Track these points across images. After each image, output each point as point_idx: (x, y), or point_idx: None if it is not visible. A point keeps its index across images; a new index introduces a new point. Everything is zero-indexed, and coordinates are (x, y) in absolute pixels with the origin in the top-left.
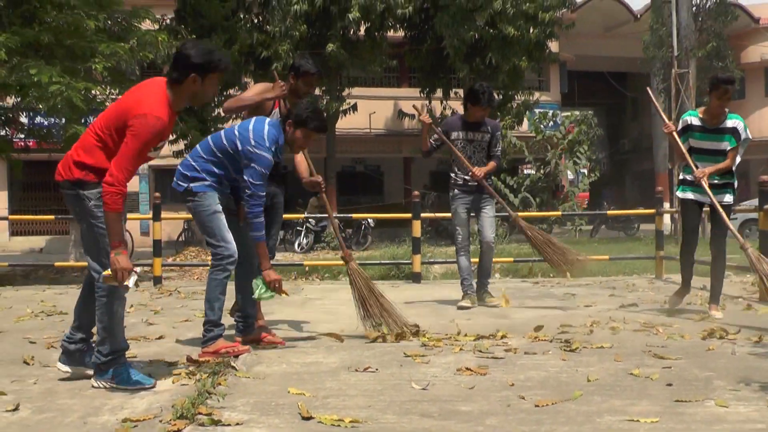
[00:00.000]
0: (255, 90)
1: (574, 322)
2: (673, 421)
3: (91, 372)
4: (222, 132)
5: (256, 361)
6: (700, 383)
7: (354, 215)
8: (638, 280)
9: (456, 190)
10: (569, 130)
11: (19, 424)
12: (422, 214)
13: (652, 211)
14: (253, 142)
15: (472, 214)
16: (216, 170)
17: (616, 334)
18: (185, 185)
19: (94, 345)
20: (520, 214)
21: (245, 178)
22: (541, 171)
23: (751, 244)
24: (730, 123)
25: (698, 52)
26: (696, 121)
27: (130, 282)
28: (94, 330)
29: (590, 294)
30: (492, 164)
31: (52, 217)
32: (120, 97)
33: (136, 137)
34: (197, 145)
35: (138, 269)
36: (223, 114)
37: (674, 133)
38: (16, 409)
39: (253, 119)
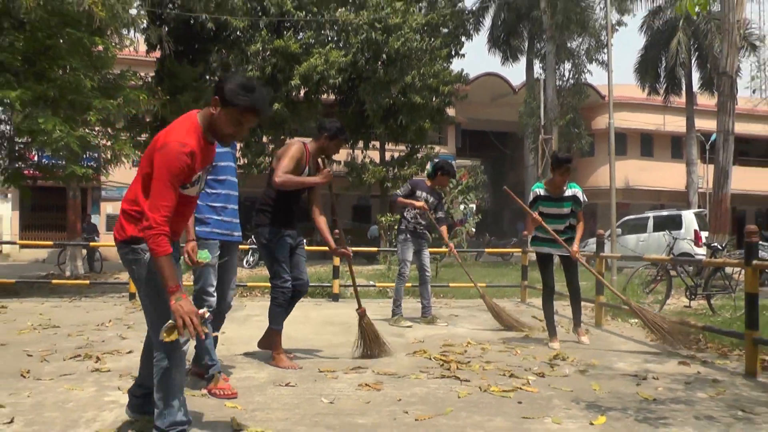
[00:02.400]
0: (291, 154)
1: (454, 342)
2: None
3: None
4: None
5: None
6: (543, 401)
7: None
8: (508, 303)
9: (408, 235)
10: (463, 177)
11: None
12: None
13: (519, 249)
14: None
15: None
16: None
17: (485, 353)
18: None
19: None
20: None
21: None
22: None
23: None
24: (570, 192)
25: (560, 122)
26: (543, 192)
27: (200, 328)
28: None
29: (469, 315)
30: (445, 229)
31: (51, 243)
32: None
33: (160, 169)
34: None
35: (202, 311)
36: (278, 182)
37: (538, 218)
38: (11, 422)
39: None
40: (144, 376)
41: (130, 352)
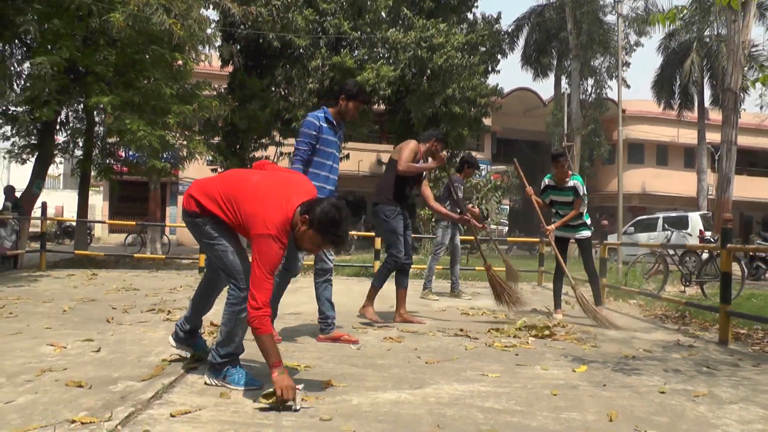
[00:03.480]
0: (410, 148)
1: (471, 312)
2: (509, 376)
3: (190, 352)
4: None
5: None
6: (537, 355)
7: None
8: (526, 285)
9: (446, 222)
10: (494, 177)
11: (100, 360)
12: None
13: (537, 239)
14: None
15: None
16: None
17: (496, 319)
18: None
19: (201, 332)
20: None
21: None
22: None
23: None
24: (571, 183)
25: (582, 131)
26: (550, 182)
27: (297, 401)
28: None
29: (490, 294)
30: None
31: (134, 223)
32: (261, 181)
33: (264, 259)
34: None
35: (300, 386)
36: (402, 169)
37: (533, 196)
38: (98, 350)
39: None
40: (193, 314)
41: None
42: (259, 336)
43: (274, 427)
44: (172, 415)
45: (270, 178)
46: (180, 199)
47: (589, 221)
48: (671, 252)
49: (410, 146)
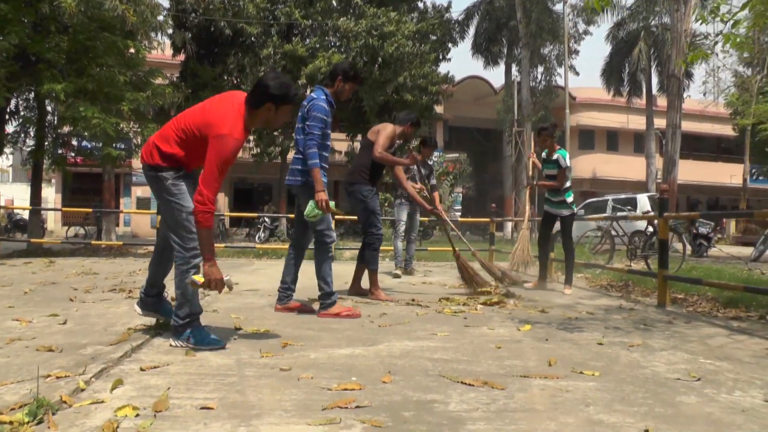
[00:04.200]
0: (387, 134)
1: (423, 287)
2: (457, 335)
3: (157, 317)
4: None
5: (214, 300)
6: (485, 318)
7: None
8: (476, 264)
9: (402, 199)
10: (444, 164)
11: (68, 330)
12: (337, 216)
13: (488, 219)
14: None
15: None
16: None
17: (446, 290)
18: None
19: (165, 296)
20: None
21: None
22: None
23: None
24: (555, 156)
25: (533, 118)
26: (544, 156)
27: (228, 286)
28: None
29: (441, 272)
30: (437, 195)
31: (90, 210)
32: (204, 102)
33: (218, 156)
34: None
35: (227, 277)
36: (377, 156)
37: (532, 158)
38: (65, 323)
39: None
40: (154, 276)
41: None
42: (200, 229)
43: (237, 376)
44: (142, 369)
45: (211, 99)
46: (134, 189)
47: (570, 199)
48: (620, 232)
49: (387, 132)
